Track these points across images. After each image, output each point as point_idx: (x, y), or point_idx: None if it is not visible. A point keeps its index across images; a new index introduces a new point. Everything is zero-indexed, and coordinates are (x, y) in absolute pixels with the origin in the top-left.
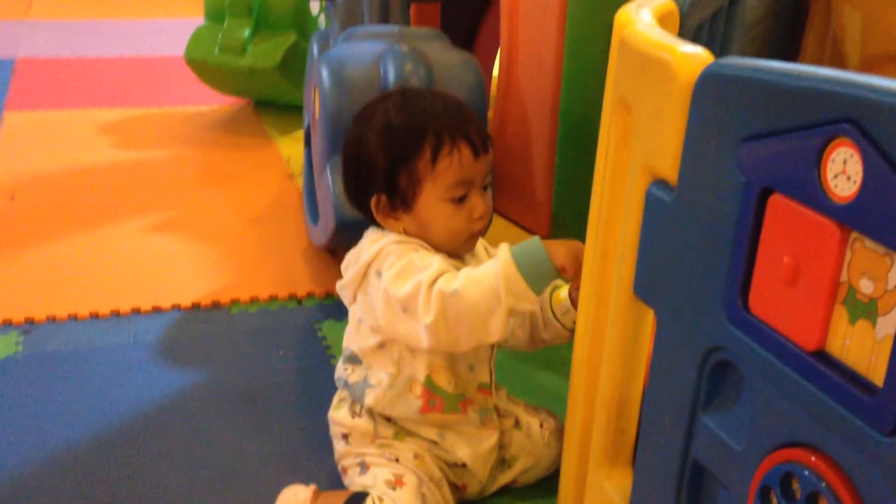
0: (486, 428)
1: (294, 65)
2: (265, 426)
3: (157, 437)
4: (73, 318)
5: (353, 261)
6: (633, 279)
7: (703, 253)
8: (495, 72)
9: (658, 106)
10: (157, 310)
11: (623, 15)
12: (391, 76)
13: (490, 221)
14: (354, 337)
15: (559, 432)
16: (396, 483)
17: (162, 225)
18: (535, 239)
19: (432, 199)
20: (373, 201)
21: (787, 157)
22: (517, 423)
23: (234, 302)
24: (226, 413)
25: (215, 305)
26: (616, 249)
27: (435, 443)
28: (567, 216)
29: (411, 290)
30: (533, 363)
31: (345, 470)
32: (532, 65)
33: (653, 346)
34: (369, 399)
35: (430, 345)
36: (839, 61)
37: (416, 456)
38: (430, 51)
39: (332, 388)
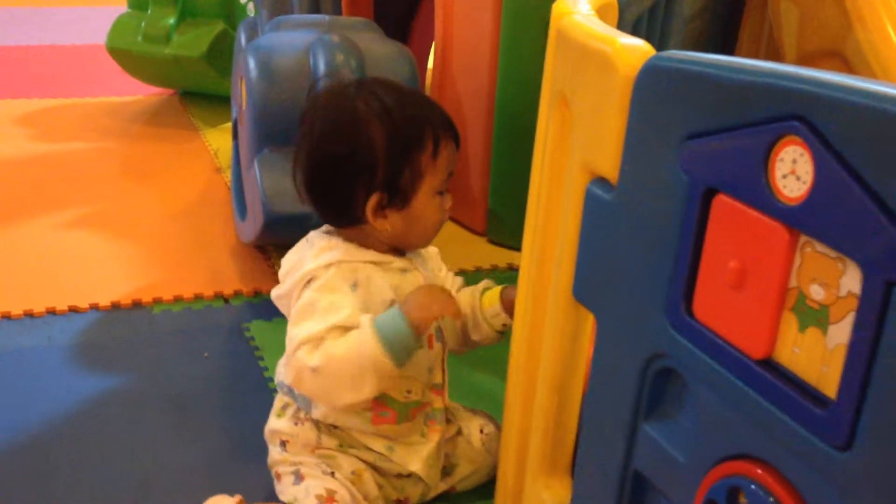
0: (429, 430)
1: (221, 54)
2: (188, 433)
3: (71, 447)
4: None
5: (293, 269)
6: (571, 281)
7: (644, 255)
8: (430, 64)
9: (597, 101)
10: (73, 310)
11: (560, 5)
12: (321, 67)
13: None
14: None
15: (498, 437)
16: (328, 500)
17: (81, 220)
18: (394, 311)
19: (427, 194)
20: (371, 201)
21: (733, 156)
22: (458, 430)
23: (157, 301)
24: (146, 420)
25: (136, 305)
26: (554, 250)
27: (382, 455)
28: (504, 213)
29: (293, 336)
30: (470, 363)
31: (278, 476)
32: (467, 58)
33: (592, 351)
34: (317, 413)
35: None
36: (775, 56)
37: (355, 473)
38: (361, 41)
39: (261, 392)
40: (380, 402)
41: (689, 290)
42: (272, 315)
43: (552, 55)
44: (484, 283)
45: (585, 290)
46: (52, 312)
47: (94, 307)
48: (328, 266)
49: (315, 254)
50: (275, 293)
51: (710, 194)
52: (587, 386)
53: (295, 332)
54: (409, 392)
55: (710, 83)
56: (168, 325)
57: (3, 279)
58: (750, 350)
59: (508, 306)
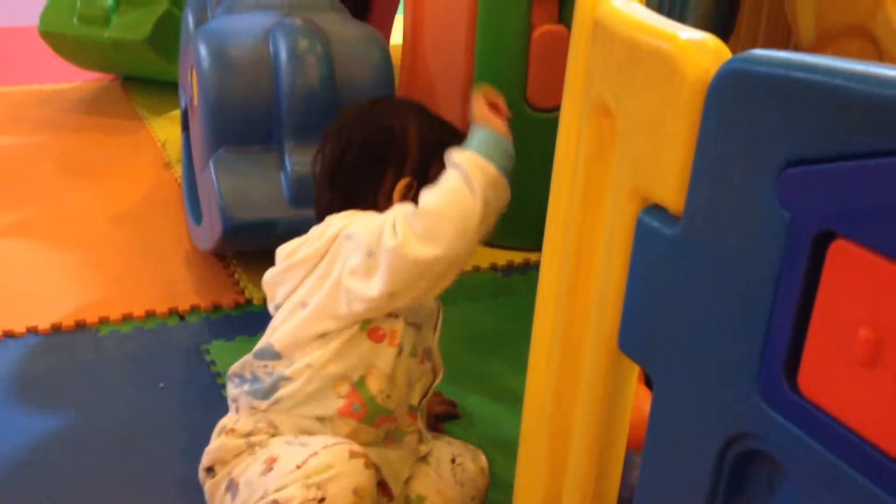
0: (385, 443)
1: (166, 37)
2: (143, 477)
3: (8, 494)
4: None
5: (310, 241)
6: (617, 330)
7: (725, 307)
8: (394, 41)
9: (654, 112)
10: (8, 335)
11: None
12: (283, 55)
13: None
14: (283, 329)
15: (479, 473)
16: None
17: (13, 228)
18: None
19: None
20: (401, 184)
21: (860, 191)
22: (425, 456)
23: (103, 321)
24: (95, 462)
25: (80, 327)
26: (593, 290)
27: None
28: None
29: (376, 227)
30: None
31: (235, 484)
32: (441, 36)
33: (642, 407)
34: (282, 391)
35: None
36: (776, 36)
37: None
38: (326, 24)
39: None
40: (358, 392)
41: (793, 357)
42: (234, 333)
43: (583, 52)
44: None
45: (637, 342)
46: None
47: (32, 331)
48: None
49: (343, 217)
50: (272, 273)
51: (824, 238)
52: (637, 449)
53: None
54: (387, 396)
55: (824, 95)
56: (117, 350)
57: None
58: (885, 444)
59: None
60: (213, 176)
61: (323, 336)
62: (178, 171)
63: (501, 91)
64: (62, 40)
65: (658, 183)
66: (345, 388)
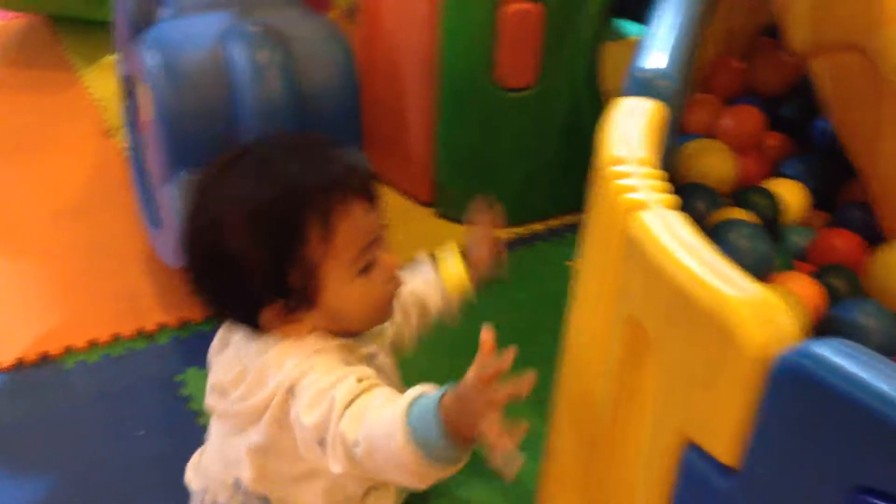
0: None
1: None
2: None
3: None
4: None
5: (252, 382)
6: None
7: None
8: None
9: (705, 370)
10: None
11: (607, 161)
12: (241, 68)
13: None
14: (249, 467)
15: None
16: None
17: None
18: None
19: (339, 282)
20: (265, 315)
21: None
22: None
23: (69, 351)
24: None
25: (44, 360)
26: None
27: None
28: (455, 189)
29: (322, 418)
30: None
31: None
32: (402, 7)
33: None
34: None
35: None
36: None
37: None
38: (285, 25)
39: None
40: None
41: None
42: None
43: (612, 262)
44: (424, 263)
45: None
46: None
47: None
48: (316, 352)
49: (281, 354)
50: (211, 403)
51: None
52: None
53: (316, 412)
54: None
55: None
56: (86, 387)
57: None
58: None
59: (475, 276)
60: (176, 202)
61: (304, 478)
62: (121, 140)
63: (470, 70)
64: None
65: (709, 434)
66: None
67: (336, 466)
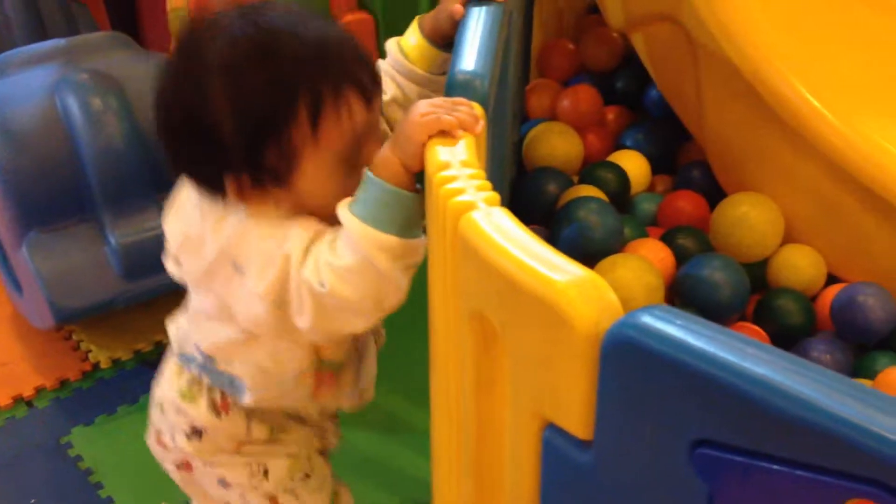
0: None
1: None
2: None
3: None
4: None
5: (192, 241)
6: None
7: None
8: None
9: (547, 352)
10: None
11: (433, 165)
12: (76, 118)
13: None
14: (199, 330)
15: None
16: None
17: None
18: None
19: (318, 172)
20: (229, 185)
21: (776, 492)
22: None
23: None
24: None
25: None
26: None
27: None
28: None
29: (278, 277)
30: None
31: (188, 466)
32: None
33: None
34: (249, 399)
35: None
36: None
37: (290, 456)
38: (116, 68)
39: None
40: (318, 371)
41: None
42: (91, 413)
43: (450, 263)
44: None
45: None
46: None
47: None
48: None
49: (217, 218)
50: (170, 267)
51: None
52: None
53: (270, 272)
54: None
55: (731, 398)
56: None
57: None
58: None
59: (434, 34)
60: (30, 264)
61: (247, 342)
62: None
63: None
64: None
65: (561, 413)
66: (308, 378)
67: (303, 320)
